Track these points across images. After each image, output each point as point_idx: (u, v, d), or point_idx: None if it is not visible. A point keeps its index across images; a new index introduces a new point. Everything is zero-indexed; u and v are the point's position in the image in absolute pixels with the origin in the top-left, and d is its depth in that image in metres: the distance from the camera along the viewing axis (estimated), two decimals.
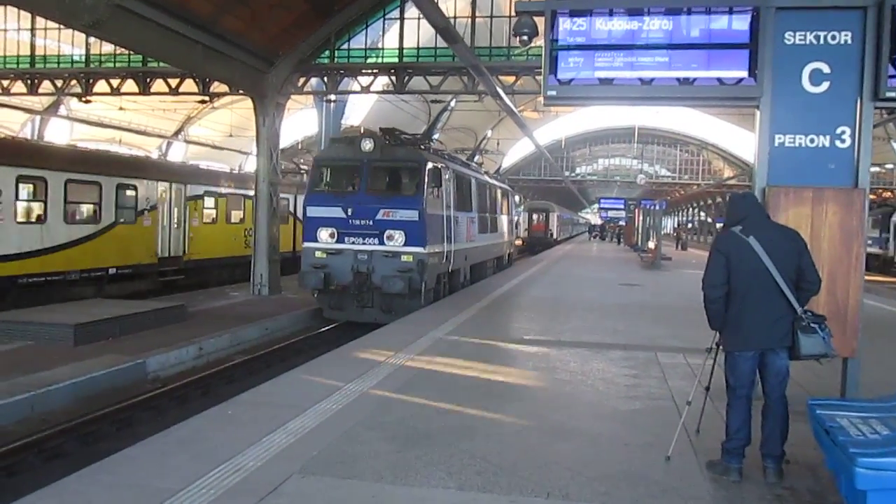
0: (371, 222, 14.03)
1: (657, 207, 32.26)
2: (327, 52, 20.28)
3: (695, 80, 6.87)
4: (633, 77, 7.07)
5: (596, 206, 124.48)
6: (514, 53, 19.86)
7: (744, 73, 6.71)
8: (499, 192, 24.00)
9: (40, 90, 23.35)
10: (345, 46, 20.39)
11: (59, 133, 41.62)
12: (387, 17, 20.28)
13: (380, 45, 21.51)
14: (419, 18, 19.73)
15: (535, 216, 52.59)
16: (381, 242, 13.98)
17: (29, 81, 22.65)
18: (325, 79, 20.36)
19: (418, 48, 20.00)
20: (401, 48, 19.92)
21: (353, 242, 14.13)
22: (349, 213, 14.14)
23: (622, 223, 60.93)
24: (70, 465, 6.70)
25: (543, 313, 13.52)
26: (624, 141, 69.55)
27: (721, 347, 5.14)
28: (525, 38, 7.44)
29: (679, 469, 5.13)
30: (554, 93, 7.05)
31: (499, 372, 8.27)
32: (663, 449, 5.38)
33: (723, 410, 5.14)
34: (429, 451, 5.40)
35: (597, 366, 8.71)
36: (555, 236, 53.46)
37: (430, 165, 14.66)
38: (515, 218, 30.80)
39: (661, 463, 5.23)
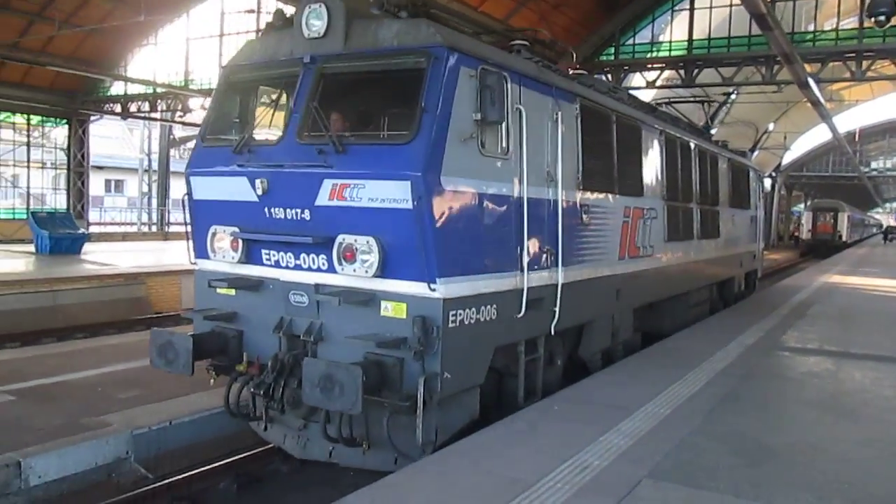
0: (308, 213, 5.92)
1: None
2: (611, 49, 20.09)
3: None
4: None
5: (890, 205, 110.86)
6: (819, 38, 18.21)
7: None
8: (724, 165, 13.56)
9: None
10: (629, 42, 20.07)
11: None
12: (675, 8, 19.61)
13: (661, 39, 20.90)
14: (710, 7, 18.86)
15: (820, 216, 48.15)
16: (331, 266, 5.85)
17: None
18: (609, 76, 20.17)
19: (709, 38, 19.04)
20: (690, 39, 19.11)
21: (279, 263, 6.23)
22: (263, 191, 6.06)
23: None
24: None
25: (871, 325, 12.24)
26: None
27: None
28: (882, 18, 6.64)
29: None
30: None
31: (833, 387, 7.55)
32: None
33: None
34: (780, 468, 5.03)
35: None
36: (844, 238, 48.41)
37: (462, 65, 5.69)
38: (762, 213, 17.95)
39: None
